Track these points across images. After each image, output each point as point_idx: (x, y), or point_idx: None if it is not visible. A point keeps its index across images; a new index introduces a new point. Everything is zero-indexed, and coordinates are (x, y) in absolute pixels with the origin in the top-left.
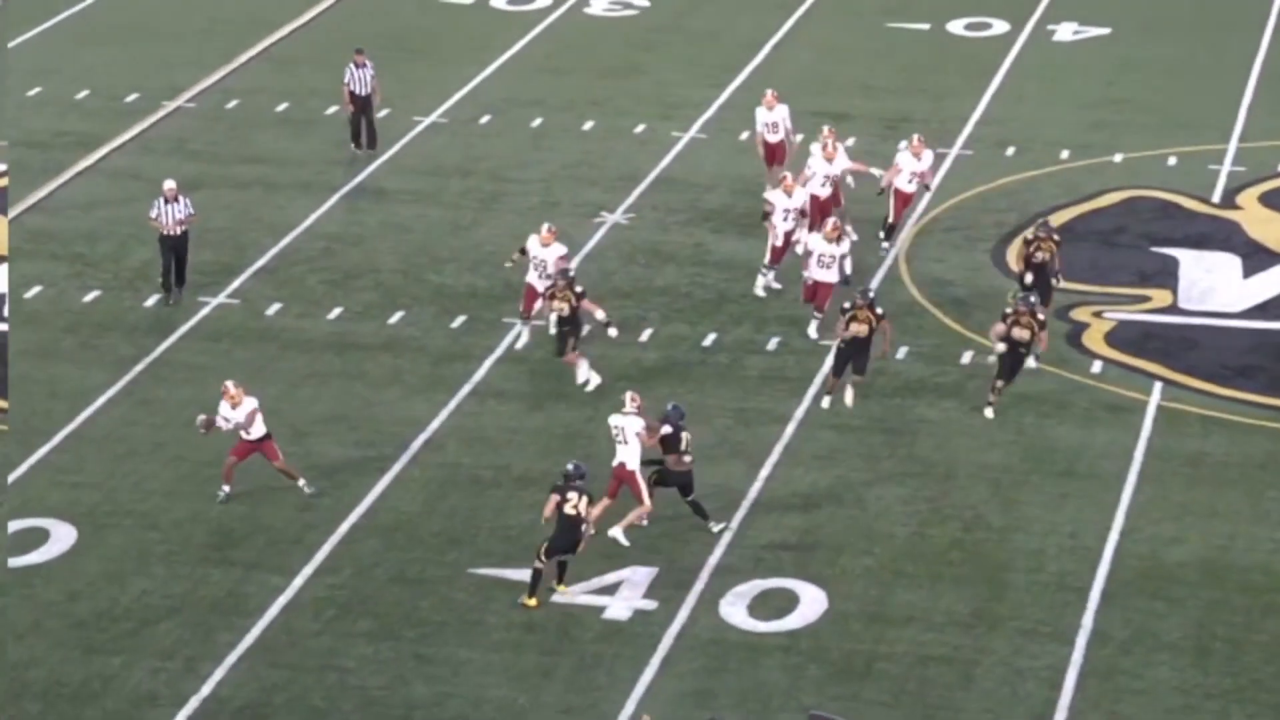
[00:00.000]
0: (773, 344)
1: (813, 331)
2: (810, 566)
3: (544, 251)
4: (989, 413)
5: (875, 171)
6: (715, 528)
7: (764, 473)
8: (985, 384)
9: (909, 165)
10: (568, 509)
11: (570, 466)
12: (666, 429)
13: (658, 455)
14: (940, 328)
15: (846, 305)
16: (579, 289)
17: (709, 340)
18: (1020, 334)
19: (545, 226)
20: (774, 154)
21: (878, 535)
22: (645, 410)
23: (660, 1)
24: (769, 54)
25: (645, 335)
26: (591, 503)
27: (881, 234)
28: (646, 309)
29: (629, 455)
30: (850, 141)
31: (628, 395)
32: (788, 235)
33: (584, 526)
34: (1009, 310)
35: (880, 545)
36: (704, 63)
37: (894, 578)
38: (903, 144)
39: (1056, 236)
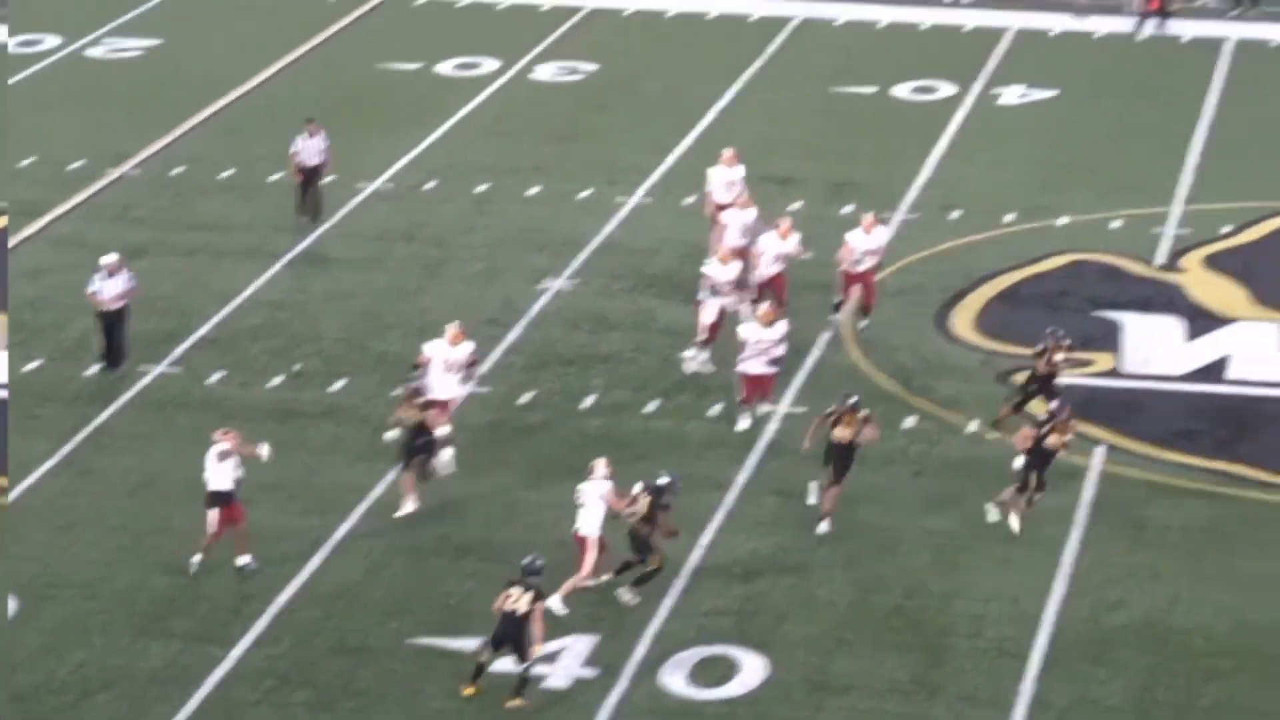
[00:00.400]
0: (715, 410)
1: (743, 423)
2: (751, 634)
3: (453, 352)
4: (1014, 524)
5: (807, 256)
6: (627, 597)
7: (705, 539)
8: (944, 459)
9: (861, 244)
10: (507, 604)
11: (525, 561)
12: (636, 488)
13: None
14: (883, 394)
15: (830, 410)
16: (423, 400)
17: (651, 407)
18: (1055, 441)
19: (456, 324)
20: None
21: (819, 602)
22: (615, 476)
23: (607, 67)
24: (715, 119)
25: (588, 402)
26: (539, 598)
27: (867, 310)
28: (590, 376)
29: (585, 520)
30: (797, 205)
31: (600, 461)
32: (721, 310)
33: (531, 628)
34: (1042, 417)
35: (822, 612)
36: (650, 128)
37: (835, 645)
38: (852, 207)
39: (1067, 341)
